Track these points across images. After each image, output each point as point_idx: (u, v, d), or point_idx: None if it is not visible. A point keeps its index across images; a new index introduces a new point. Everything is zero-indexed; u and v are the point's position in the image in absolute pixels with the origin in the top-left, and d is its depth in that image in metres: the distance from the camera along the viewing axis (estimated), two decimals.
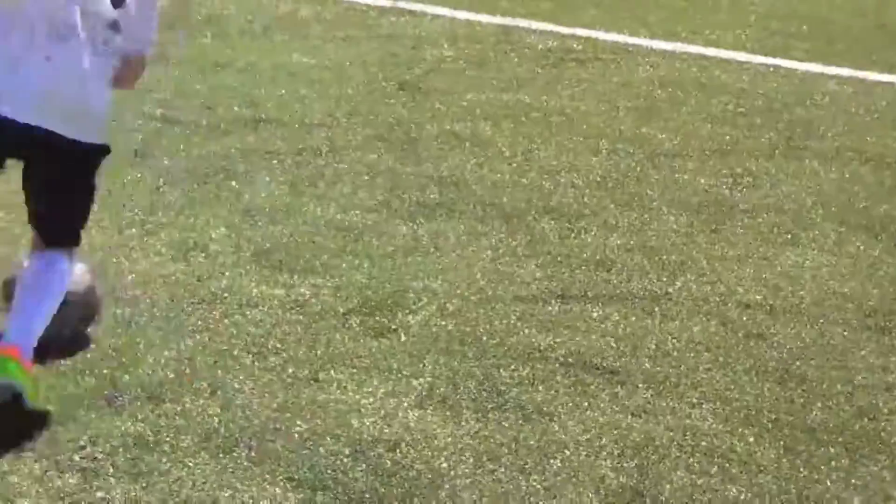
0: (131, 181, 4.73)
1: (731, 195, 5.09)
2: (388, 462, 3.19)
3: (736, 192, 5.13)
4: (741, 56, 6.99)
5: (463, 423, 3.38)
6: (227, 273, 4.08)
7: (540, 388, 3.57)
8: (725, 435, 3.42)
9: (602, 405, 3.51)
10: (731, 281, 4.32)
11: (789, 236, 4.73)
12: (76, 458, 3.10)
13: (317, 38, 6.71)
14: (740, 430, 3.45)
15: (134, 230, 4.35)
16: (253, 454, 3.17)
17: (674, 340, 3.90)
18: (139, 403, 3.33)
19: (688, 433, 3.41)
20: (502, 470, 3.20)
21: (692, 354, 3.83)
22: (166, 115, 5.42)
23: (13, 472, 3.04)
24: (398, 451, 3.23)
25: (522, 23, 7.23)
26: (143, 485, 3.03)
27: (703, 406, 3.55)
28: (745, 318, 4.07)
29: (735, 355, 3.84)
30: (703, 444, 3.38)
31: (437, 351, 3.72)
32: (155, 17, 3.36)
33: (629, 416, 3.46)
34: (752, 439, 3.41)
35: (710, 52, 7.02)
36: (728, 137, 5.72)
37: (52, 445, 3.14)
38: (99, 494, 2.99)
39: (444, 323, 3.88)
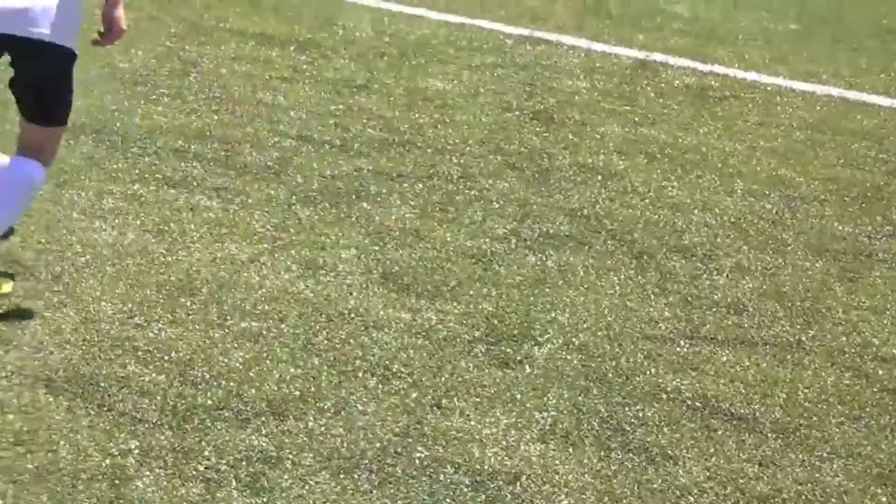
0: (264, 197, 4.80)
1: (869, 243, 4.95)
2: (508, 495, 3.15)
3: (875, 240, 4.98)
4: (885, 101, 6.81)
5: (585, 461, 3.33)
6: (354, 294, 4.10)
7: (665, 430, 3.50)
8: (857, 493, 3.31)
9: (728, 452, 3.43)
10: (868, 332, 4.19)
11: None
12: (200, 468, 3.14)
13: (452, 63, 6.73)
14: (872, 488, 3.33)
15: (265, 245, 4.40)
16: (374, 477, 3.16)
17: (805, 390, 3.79)
18: (263, 418, 3.35)
19: (817, 488, 3.31)
20: None
21: (824, 406, 3.71)
22: (301, 133, 5.48)
23: (138, 477, 3.08)
24: (518, 484, 3.19)
25: (659, 57, 7.16)
26: (265, 500, 3.05)
27: (834, 461, 3.44)
28: (881, 372, 3.94)
29: (869, 410, 3.72)
30: (833, 501, 3.27)
31: (562, 385, 3.67)
32: None
33: (756, 466, 3.37)
34: (884, 499, 3.29)
35: (852, 95, 6.85)
36: (868, 184, 5.57)
37: (178, 454, 3.17)
38: None
39: (569, 357, 3.83)
